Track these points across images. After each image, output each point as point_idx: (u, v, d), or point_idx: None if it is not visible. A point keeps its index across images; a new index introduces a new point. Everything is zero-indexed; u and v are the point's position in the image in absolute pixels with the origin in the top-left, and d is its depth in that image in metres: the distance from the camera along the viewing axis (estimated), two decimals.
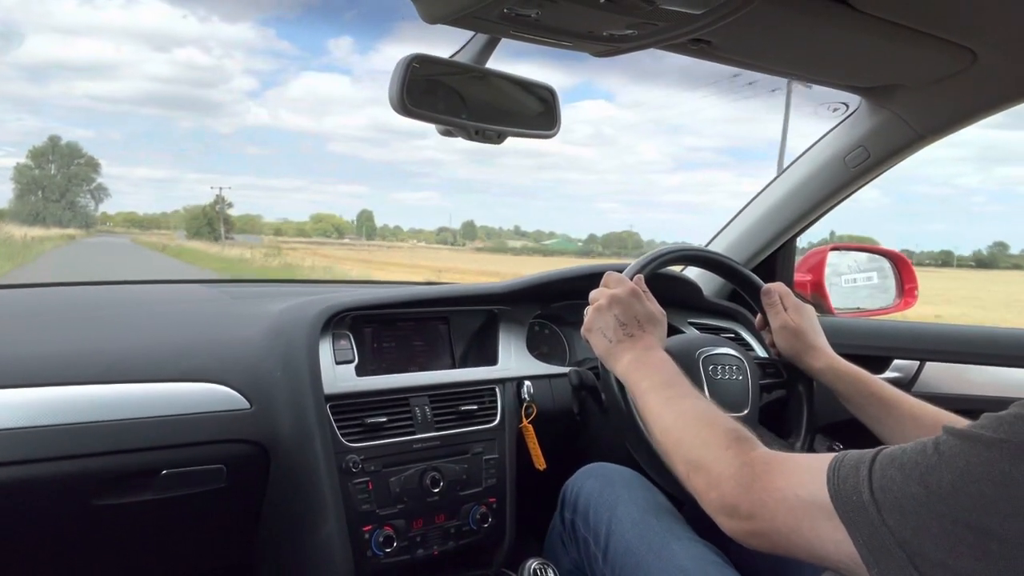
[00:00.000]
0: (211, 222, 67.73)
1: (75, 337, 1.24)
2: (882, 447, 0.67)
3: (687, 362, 1.18)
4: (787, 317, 1.22)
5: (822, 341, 1.21)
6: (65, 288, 1.63)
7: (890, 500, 0.61)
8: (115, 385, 1.11)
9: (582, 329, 1.09)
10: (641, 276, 1.13)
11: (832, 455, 0.69)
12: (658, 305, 1.09)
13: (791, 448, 1.22)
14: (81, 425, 1.05)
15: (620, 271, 1.20)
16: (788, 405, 1.28)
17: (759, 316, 1.28)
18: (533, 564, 1.16)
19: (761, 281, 1.28)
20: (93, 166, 78.13)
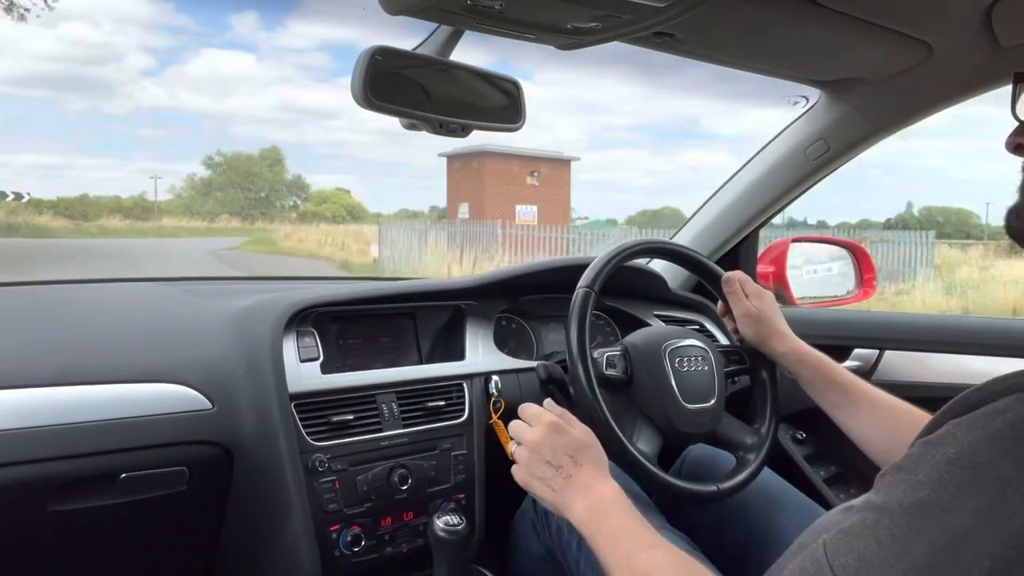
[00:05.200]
0: None
1: (28, 338, 1.20)
2: (826, 556, 0.61)
3: (653, 356, 1.19)
4: (748, 304, 1.23)
5: (784, 326, 1.22)
6: (16, 288, 1.58)
7: None
8: (71, 387, 1.08)
9: (521, 477, 1.00)
10: (550, 402, 1.07)
11: None
12: (580, 424, 1.02)
13: (756, 434, 1.23)
14: (35, 429, 1.02)
15: (587, 265, 1.20)
16: (752, 391, 1.29)
17: (720, 303, 1.30)
18: (442, 517, 1.12)
19: (721, 270, 1.30)
20: None
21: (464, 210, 21.11)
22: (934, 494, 0.56)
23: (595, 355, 1.19)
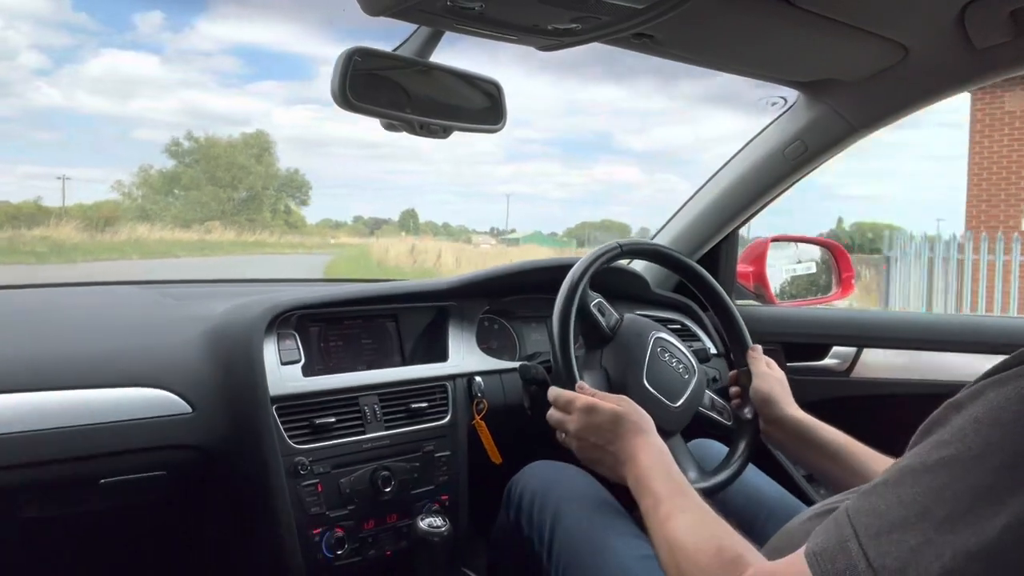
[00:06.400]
0: None
1: (3, 342, 1.18)
2: (848, 516, 0.61)
3: (641, 334, 1.19)
4: (772, 370, 1.23)
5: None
6: None
7: (890, 564, 0.56)
8: (47, 392, 1.06)
9: (581, 460, 1.05)
10: (583, 384, 1.09)
11: (803, 549, 0.63)
12: (607, 395, 1.05)
13: (707, 479, 1.17)
14: (11, 435, 1.00)
15: (569, 265, 1.20)
16: (728, 439, 1.27)
17: (732, 373, 1.28)
18: (426, 518, 1.14)
19: (750, 341, 1.29)
20: None
21: None
22: (957, 452, 0.56)
23: (591, 294, 1.20)
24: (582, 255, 1.22)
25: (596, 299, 1.22)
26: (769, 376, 1.22)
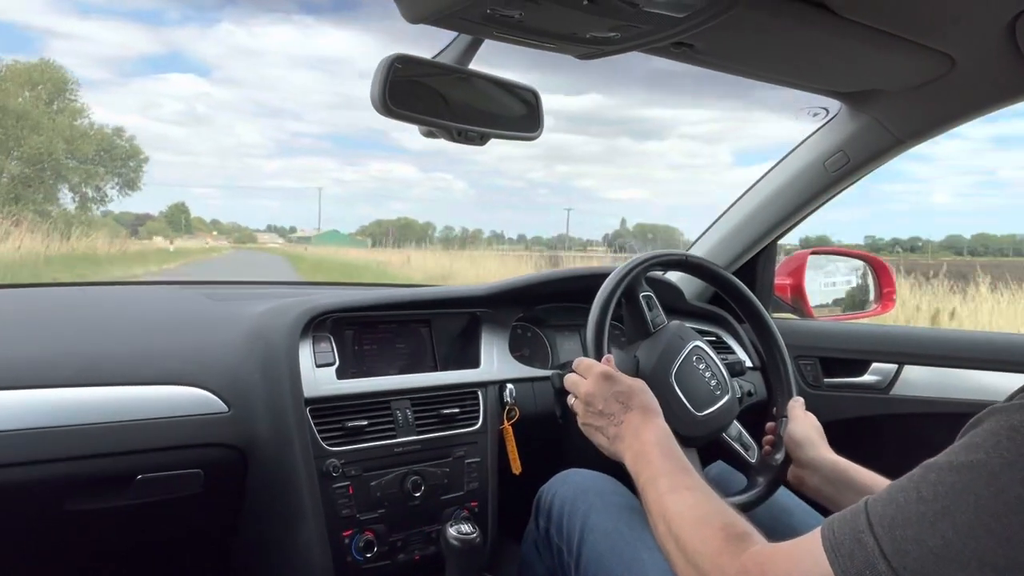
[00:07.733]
0: None
1: (49, 339, 1.21)
2: (865, 504, 0.61)
3: (680, 339, 1.19)
4: (812, 417, 1.20)
5: None
6: (39, 289, 1.60)
7: (911, 565, 0.55)
8: (89, 388, 1.09)
9: (580, 425, 1.05)
10: (610, 356, 1.10)
11: (818, 532, 0.63)
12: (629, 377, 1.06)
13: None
14: (54, 429, 1.03)
15: (605, 275, 1.19)
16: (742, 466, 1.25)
17: (771, 424, 1.26)
18: (455, 525, 1.14)
19: (794, 390, 1.27)
20: None
21: None
22: (987, 457, 0.55)
23: (645, 286, 1.22)
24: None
25: (648, 292, 1.22)
26: (805, 421, 1.19)
